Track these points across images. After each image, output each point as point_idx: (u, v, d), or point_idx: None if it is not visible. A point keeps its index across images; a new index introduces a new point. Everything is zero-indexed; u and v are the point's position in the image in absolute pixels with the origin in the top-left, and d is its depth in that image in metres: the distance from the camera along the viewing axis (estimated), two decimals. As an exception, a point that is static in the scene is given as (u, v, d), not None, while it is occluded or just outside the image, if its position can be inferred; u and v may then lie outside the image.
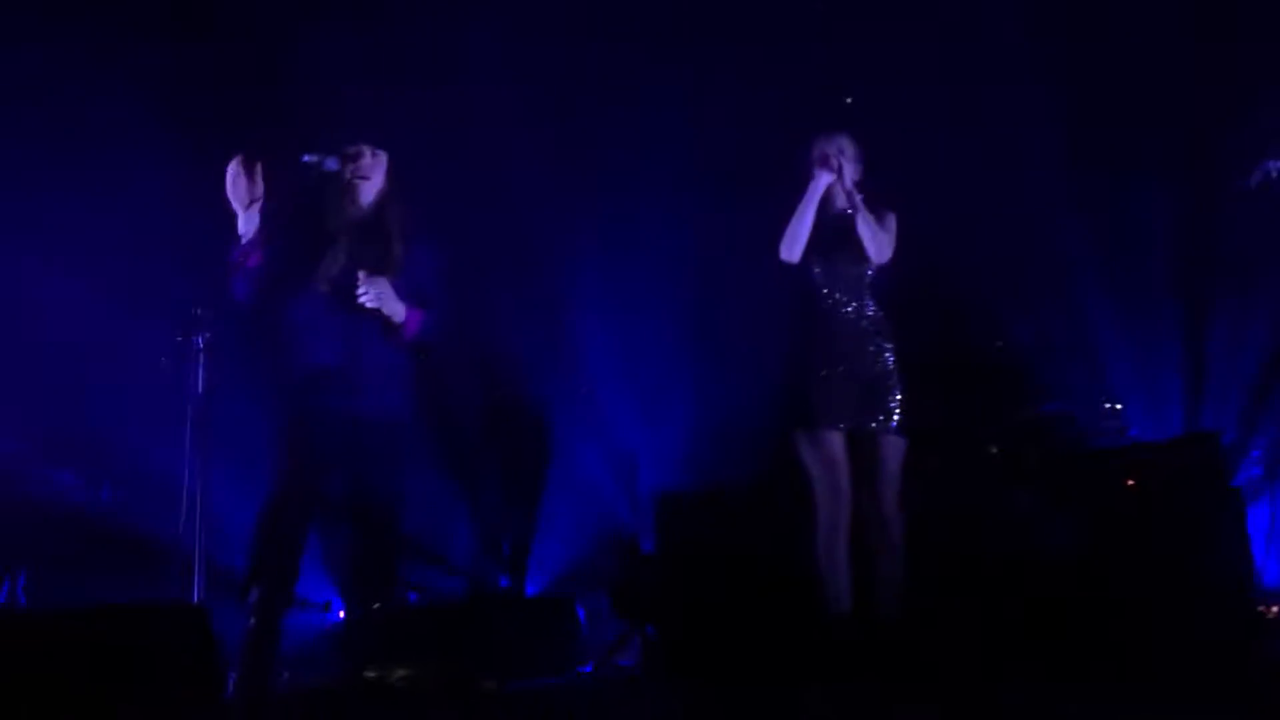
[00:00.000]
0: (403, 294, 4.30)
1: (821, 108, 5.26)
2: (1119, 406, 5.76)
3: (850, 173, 4.46)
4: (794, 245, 4.38)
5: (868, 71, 5.96)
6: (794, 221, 4.39)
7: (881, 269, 4.43)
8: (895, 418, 4.30)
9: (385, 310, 4.11)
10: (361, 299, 4.06)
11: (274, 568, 3.87)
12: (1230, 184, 4.84)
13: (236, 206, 4.16)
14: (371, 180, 4.28)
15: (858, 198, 4.39)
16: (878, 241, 4.36)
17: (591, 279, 6.45)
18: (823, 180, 4.42)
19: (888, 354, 4.36)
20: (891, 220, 4.47)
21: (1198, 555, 3.95)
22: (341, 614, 5.16)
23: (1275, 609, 4.61)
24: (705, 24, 6.30)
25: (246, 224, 4.15)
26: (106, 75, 5.79)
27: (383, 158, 4.33)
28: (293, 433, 4.04)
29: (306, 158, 4.33)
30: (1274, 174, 4.19)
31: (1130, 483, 4.48)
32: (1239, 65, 5.50)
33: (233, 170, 4.18)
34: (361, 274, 4.09)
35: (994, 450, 5.64)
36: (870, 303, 4.41)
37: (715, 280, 6.09)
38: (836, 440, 4.29)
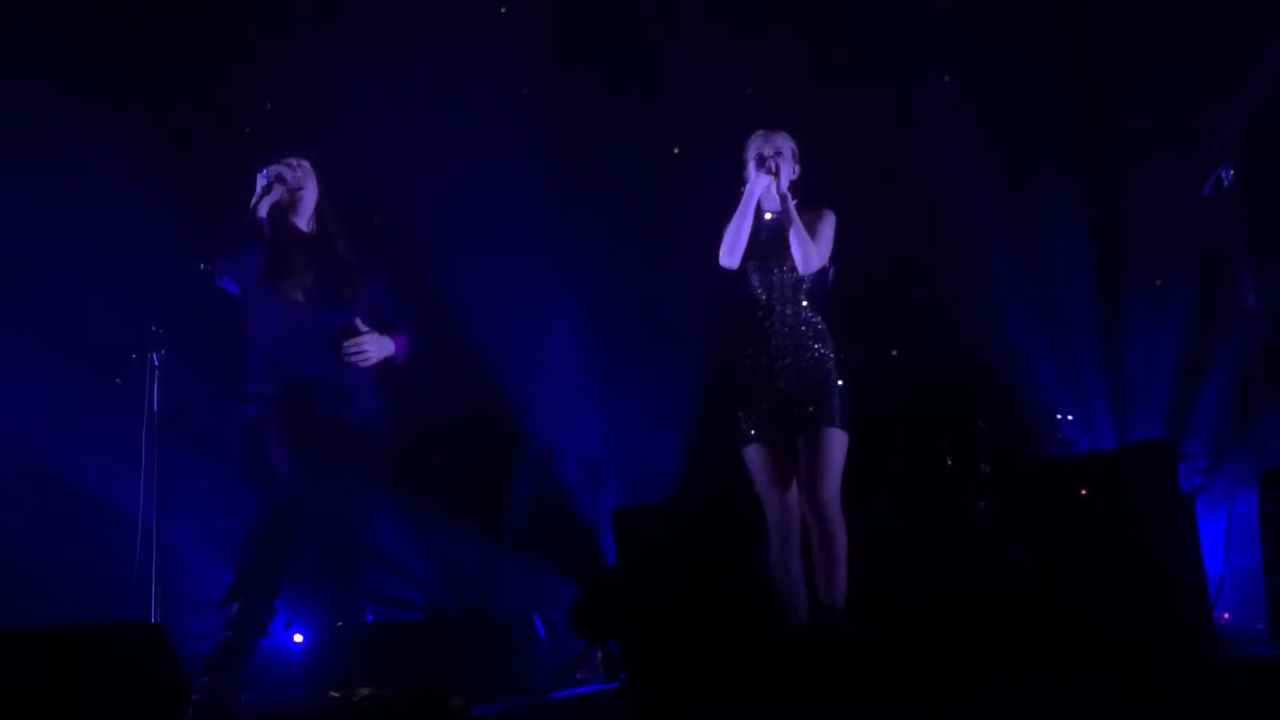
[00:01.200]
0: (365, 312, 4.32)
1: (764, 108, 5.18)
2: (1070, 417, 5.83)
3: (787, 173, 4.38)
4: (733, 251, 4.31)
5: (803, 72, 5.98)
6: (731, 226, 4.31)
7: (820, 273, 4.36)
8: (836, 412, 4.25)
9: (376, 360, 4.17)
10: (353, 359, 4.11)
11: (263, 580, 3.84)
12: (1184, 190, 4.92)
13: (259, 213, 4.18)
14: (307, 189, 4.35)
15: (790, 203, 4.30)
16: (805, 251, 4.26)
17: (547, 289, 6.44)
18: (760, 183, 4.33)
19: (827, 358, 4.31)
20: (829, 221, 4.38)
21: (1151, 562, 4.00)
22: (298, 637, 5.12)
23: (1228, 615, 4.69)
24: (654, 22, 6.30)
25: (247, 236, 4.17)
26: (56, 89, 5.74)
27: (306, 165, 4.39)
28: (284, 443, 4.03)
29: (262, 174, 4.38)
30: (1225, 181, 4.27)
31: (1083, 492, 4.54)
32: (1181, 73, 5.61)
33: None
34: (347, 343, 4.15)
35: (949, 462, 5.70)
36: (808, 307, 4.34)
37: (674, 289, 6.09)
38: (774, 454, 4.28)
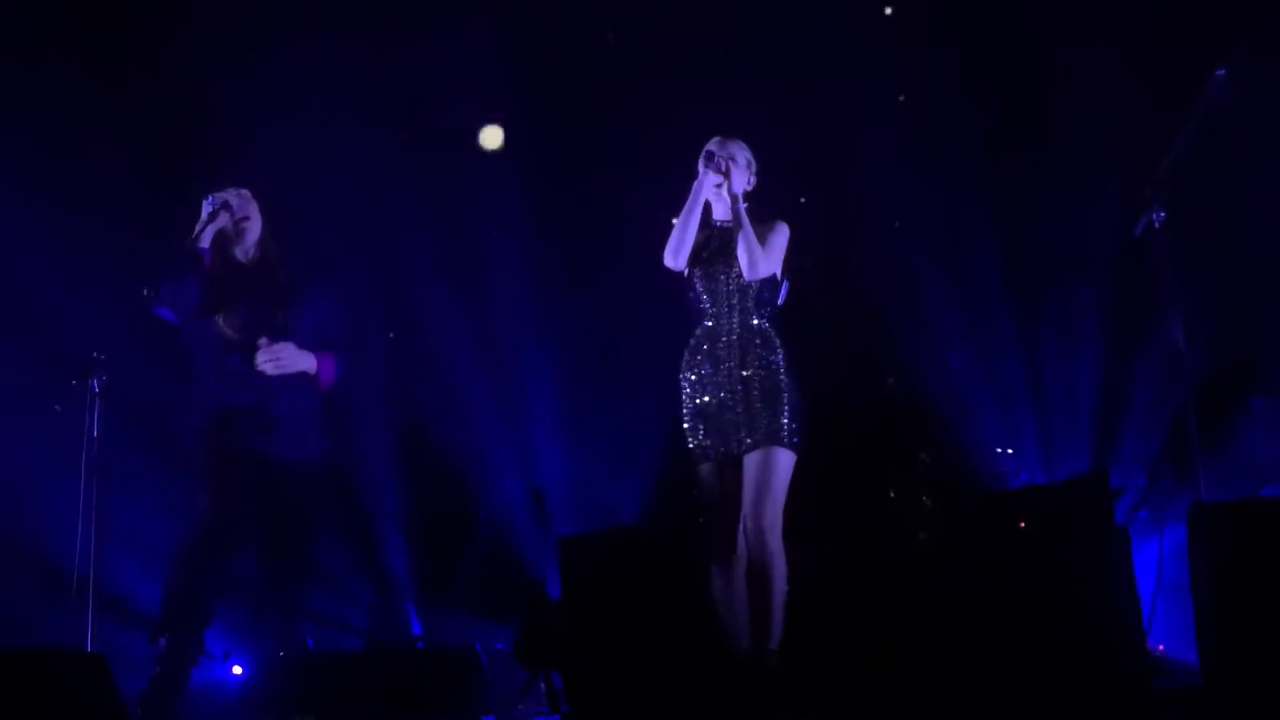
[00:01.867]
0: (308, 339, 4.30)
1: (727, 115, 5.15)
2: (1009, 451, 5.92)
3: (740, 180, 4.26)
4: (678, 251, 4.18)
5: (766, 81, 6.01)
6: (677, 225, 4.18)
7: (770, 283, 4.25)
8: (784, 430, 4.14)
9: (291, 370, 4.13)
10: (262, 367, 4.07)
11: (187, 613, 3.81)
12: (1116, 231, 5.03)
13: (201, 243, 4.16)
14: (251, 219, 4.35)
15: (740, 206, 4.18)
16: (752, 255, 4.12)
17: (497, 313, 6.45)
18: (707, 181, 4.20)
19: (775, 367, 4.18)
20: (782, 232, 4.28)
21: (1087, 595, 4.05)
22: (237, 669, 5.07)
23: (1162, 647, 4.77)
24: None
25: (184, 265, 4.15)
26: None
27: (247, 194, 4.39)
28: (207, 474, 4.01)
29: (208, 200, 4.37)
30: (1156, 223, 4.36)
31: (1021, 524, 4.60)
32: (1114, 114, 5.73)
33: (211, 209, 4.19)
34: (262, 341, 4.12)
35: (891, 494, 5.76)
36: (756, 316, 4.22)
37: (625, 309, 6.11)
38: (721, 472, 4.18)
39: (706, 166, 4.22)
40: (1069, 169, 5.90)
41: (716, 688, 4.05)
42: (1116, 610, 4.00)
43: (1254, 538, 3.37)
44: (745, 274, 4.16)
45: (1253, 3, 5.52)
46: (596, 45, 6.42)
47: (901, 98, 6.27)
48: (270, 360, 4.14)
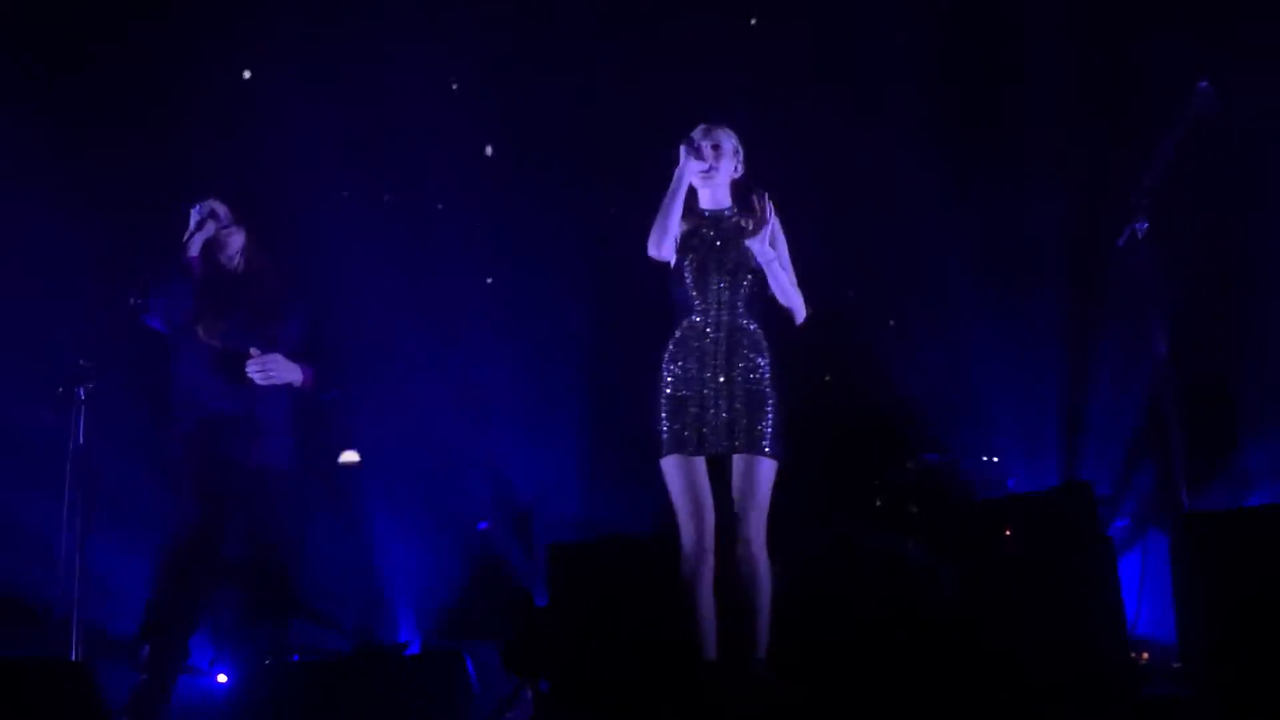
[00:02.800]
0: (293, 349, 4.32)
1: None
2: (996, 459, 5.95)
3: (728, 169, 4.18)
4: (661, 241, 4.05)
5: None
6: (659, 215, 4.05)
7: (759, 281, 4.13)
8: (766, 439, 4.05)
9: (280, 381, 4.15)
10: (252, 376, 4.09)
11: (172, 621, 3.81)
12: (1101, 244, 5.06)
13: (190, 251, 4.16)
14: (236, 226, 4.36)
15: (767, 255, 4.03)
16: (789, 299, 4.08)
17: (479, 315, 6.44)
18: (690, 167, 4.07)
19: (761, 370, 4.10)
20: (774, 224, 4.13)
21: (1072, 603, 4.08)
22: (221, 677, 5.06)
23: (1146, 656, 4.80)
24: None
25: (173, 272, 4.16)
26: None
27: (233, 203, 4.40)
28: (192, 481, 4.02)
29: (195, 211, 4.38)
30: (1140, 234, 4.39)
31: (1008, 533, 4.63)
32: (1100, 123, 5.77)
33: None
34: (254, 351, 4.14)
35: (878, 502, 5.78)
36: (745, 315, 4.12)
37: (614, 308, 6.10)
38: (694, 469, 4.06)
39: (688, 152, 4.07)
40: (1056, 178, 5.93)
41: (703, 696, 4.06)
42: (1101, 617, 4.03)
43: (1239, 548, 3.40)
44: (797, 318, 4.14)
45: (1232, 12, 5.57)
46: (575, 40, 6.38)
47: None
48: (260, 371, 4.15)
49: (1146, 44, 5.61)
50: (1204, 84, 4.33)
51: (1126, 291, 5.01)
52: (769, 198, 4.09)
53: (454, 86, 6.48)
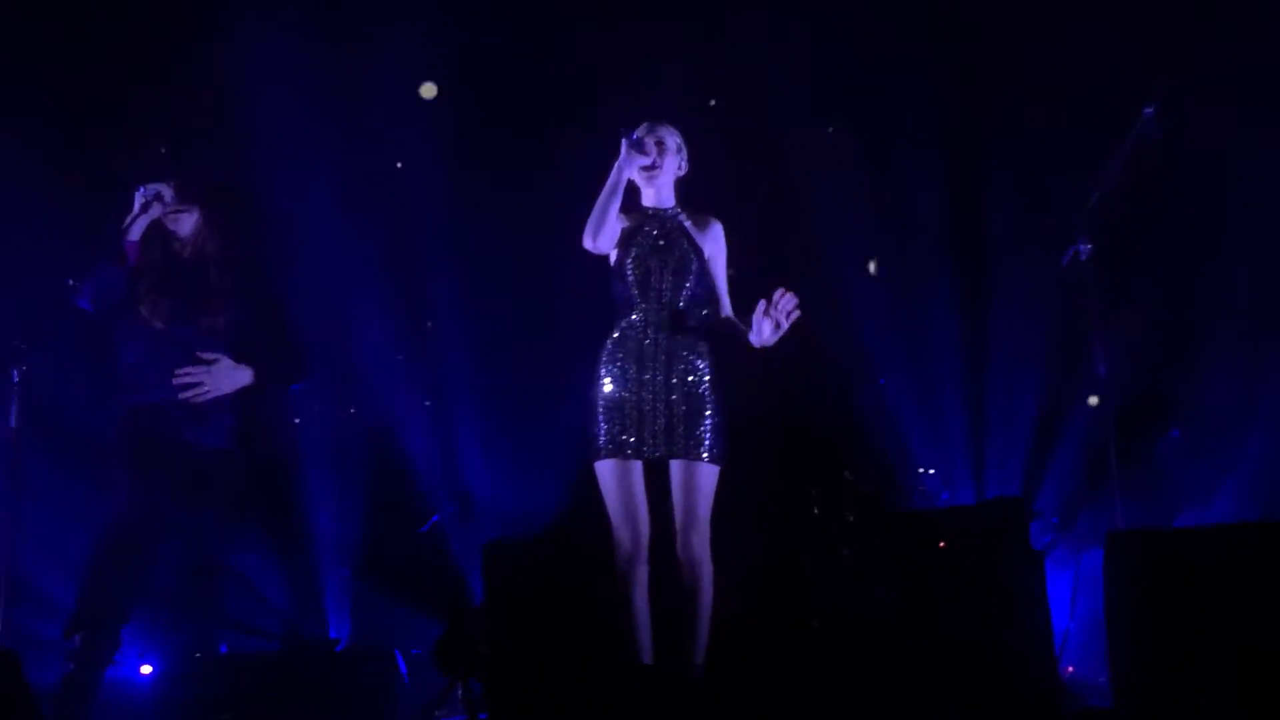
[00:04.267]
0: (239, 340, 4.26)
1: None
2: (933, 472, 6.01)
3: (672, 167, 4.12)
4: (598, 230, 3.95)
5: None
6: (597, 206, 3.96)
7: (705, 281, 4.11)
8: (705, 444, 4.00)
9: (222, 393, 4.10)
10: (185, 396, 4.04)
11: (104, 609, 3.75)
12: (1042, 264, 5.13)
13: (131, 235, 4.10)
14: (186, 210, 4.30)
15: (780, 327, 3.93)
16: (763, 339, 3.95)
17: (422, 313, 6.40)
18: (631, 162, 3.99)
19: (702, 375, 4.04)
20: (721, 233, 4.16)
21: (1002, 615, 4.12)
22: (145, 669, 5.00)
23: (1072, 669, 4.87)
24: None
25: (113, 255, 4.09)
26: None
27: (183, 188, 4.34)
28: (128, 465, 3.95)
29: (140, 191, 4.31)
30: (1082, 255, 4.44)
31: (942, 544, 4.66)
32: (1047, 146, 5.84)
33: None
34: (179, 371, 4.07)
35: (815, 511, 5.81)
36: (688, 317, 4.07)
37: (550, 307, 6.08)
38: (630, 473, 3.99)
39: (630, 147, 3.99)
40: (1005, 195, 6.00)
41: (637, 701, 4.05)
42: (1029, 632, 4.07)
43: (1168, 566, 3.45)
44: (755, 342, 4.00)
45: (1177, 36, 5.65)
46: (525, 35, 6.35)
47: (830, 129, 6.30)
48: (193, 393, 4.08)
49: (1099, 65, 5.69)
50: (1149, 110, 4.41)
51: (1068, 311, 5.08)
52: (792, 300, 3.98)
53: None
